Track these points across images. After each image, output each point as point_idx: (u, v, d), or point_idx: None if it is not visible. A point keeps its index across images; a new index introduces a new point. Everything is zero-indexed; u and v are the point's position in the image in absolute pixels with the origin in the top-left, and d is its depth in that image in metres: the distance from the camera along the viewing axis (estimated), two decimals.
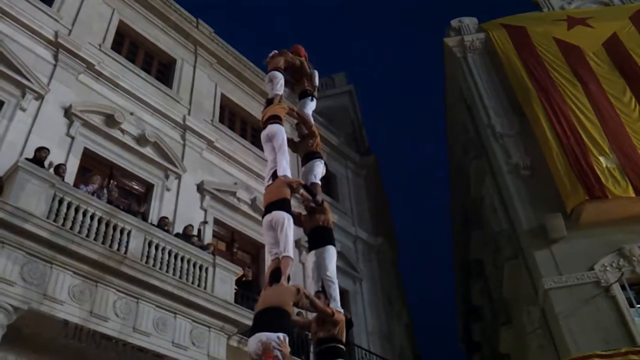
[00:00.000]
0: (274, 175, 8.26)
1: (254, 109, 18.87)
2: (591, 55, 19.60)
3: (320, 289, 7.66)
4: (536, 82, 18.76)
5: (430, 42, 36.16)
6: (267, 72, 10.09)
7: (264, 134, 8.83)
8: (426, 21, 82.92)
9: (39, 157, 10.63)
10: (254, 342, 5.92)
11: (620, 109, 17.80)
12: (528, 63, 19.50)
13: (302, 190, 8.28)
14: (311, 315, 7.68)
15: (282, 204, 7.62)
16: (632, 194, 15.48)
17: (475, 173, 20.80)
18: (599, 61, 19.51)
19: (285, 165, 8.26)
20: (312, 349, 13.33)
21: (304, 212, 8.63)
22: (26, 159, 10.32)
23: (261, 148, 16.93)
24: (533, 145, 17.92)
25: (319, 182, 8.96)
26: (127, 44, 16.22)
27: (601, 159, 16.34)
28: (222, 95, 18.25)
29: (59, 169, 10.83)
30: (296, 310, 7.30)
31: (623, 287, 14.52)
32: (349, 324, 7.55)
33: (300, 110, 9.95)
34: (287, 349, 5.90)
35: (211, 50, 18.38)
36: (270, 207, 7.68)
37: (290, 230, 7.40)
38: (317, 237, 8.25)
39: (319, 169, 9.09)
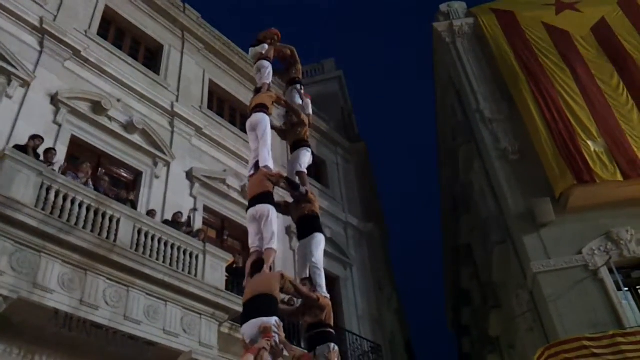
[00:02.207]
0: (257, 165, 8.24)
1: (243, 95, 18.76)
2: (579, 40, 19.62)
3: (307, 276, 7.69)
4: (525, 67, 18.77)
5: (419, 26, 36.07)
6: (255, 62, 10.01)
7: (248, 123, 8.84)
8: (415, 5, 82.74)
9: (32, 145, 10.51)
10: (250, 328, 5.95)
11: (609, 94, 17.86)
12: (517, 48, 19.50)
13: (282, 184, 8.27)
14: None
15: (265, 197, 7.64)
16: (620, 178, 15.59)
17: (464, 158, 20.85)
18: (588, 46, 19.53)
19: (267, 156, 8.22)
20: (303, 335, 13.44)
21: (290, 200, 8.63)
22: (18, 146, 10.20)
23: None
24: (522, 130, 17.99)
25: (305, 171, 8.94)
26: (113, 29, 16.00)
27: (589, 143, 16.41)
28: (211, 82, 18.09)
29: (48, 154, 10.69)
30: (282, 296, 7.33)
31: (611, 271, 14.67)
32: None
33: (289, 99, 9.91)
34: (283, 334, 6.01)
35: (199, 35, 18.17)
36: (253, 201, 7.70)
37: (274, 223, 7.45)
38: (304, 226, 8.29)
39: (306, 158, 9.08)
